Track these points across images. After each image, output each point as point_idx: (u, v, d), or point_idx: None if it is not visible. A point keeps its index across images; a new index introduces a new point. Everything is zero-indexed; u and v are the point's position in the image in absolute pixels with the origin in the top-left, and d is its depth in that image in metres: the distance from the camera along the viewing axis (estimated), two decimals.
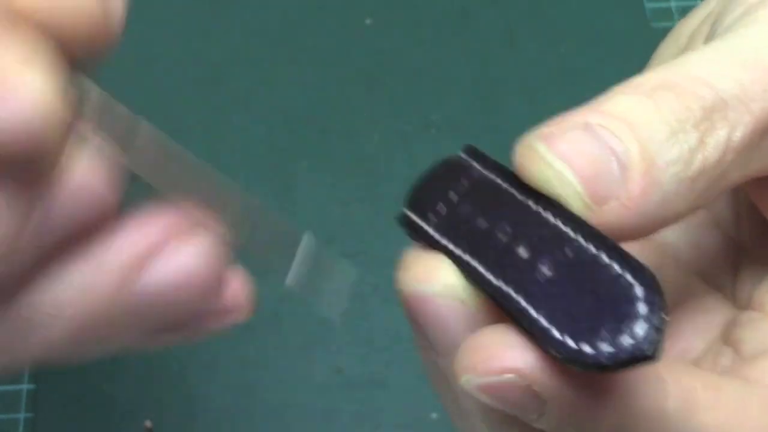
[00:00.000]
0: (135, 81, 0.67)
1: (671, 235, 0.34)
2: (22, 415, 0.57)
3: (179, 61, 0.68)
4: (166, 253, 0.24)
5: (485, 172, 0.29)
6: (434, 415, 0.56)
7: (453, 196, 0.30)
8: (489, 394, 0.25)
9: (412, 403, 0.57)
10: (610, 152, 0.25)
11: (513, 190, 0.28)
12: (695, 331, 0.32)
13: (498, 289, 0.26)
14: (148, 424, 0.56)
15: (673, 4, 0.72)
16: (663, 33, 0.72)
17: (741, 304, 0.32)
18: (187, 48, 0.69)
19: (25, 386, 0.58)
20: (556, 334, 0.24)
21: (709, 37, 0.31)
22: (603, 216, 0.25)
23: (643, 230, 0.26)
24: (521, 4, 0.71)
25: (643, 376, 0.26)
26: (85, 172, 0.22)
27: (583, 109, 0.27)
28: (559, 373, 0.24)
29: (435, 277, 0.26)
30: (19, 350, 0.24)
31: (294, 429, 0.56)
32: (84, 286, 0.23)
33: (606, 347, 0.23)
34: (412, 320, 0.27)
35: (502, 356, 0.24)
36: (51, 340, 0.24)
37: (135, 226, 0.24)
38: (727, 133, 0.26)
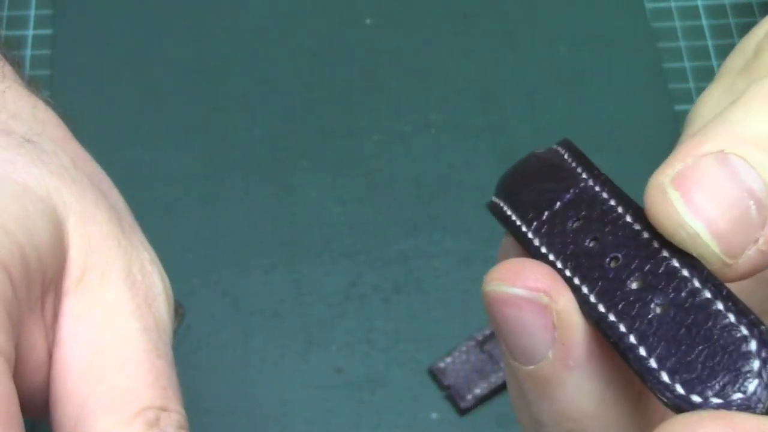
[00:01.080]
0: (135, 81, 0.67)
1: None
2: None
3: (179, 61, 0.68)
4: None
5: (593, 185, 0.28)
6: (434, 415, 0.56)
7: (556, 202, 0.28)
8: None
9: (412, 403, 0.57)
10: (747, 195, 0.24)
11: (627, 216, 0.26)
12: None
13: (605, 317, 0.25)
14: None
15: (673, 4, 0.72)
16: (663, 33, 0.72)
17: None
18: (187, 48, 0.69)
19: None
20: (665, 378, 0.23)
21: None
22: (739, 269, 0.24)
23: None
24: (521, 4, 0.71)
25: None
26: None
27: (716, 129, 0.25)
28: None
29: (522, 282, 0.25)
30: None
31: (294, 429, 0.56)
32: None
33: (715, 399, 0.23)
34: (492, 318, 0.26)
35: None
36: None
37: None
38: None
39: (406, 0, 0.71)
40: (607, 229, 0.26)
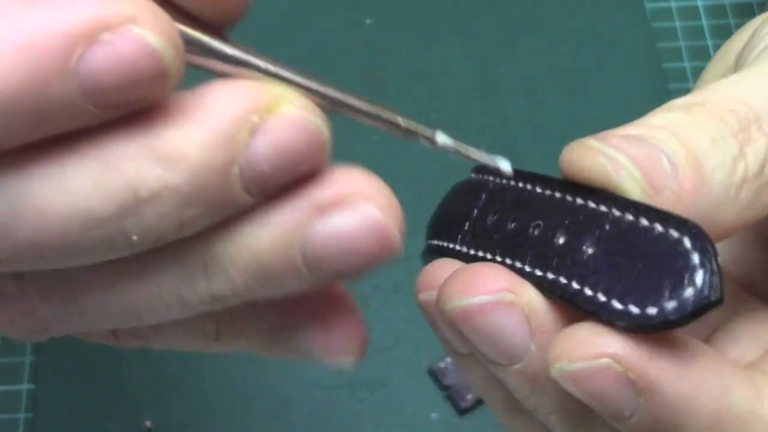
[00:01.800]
0: None
1: (720, 251, 0.35)
2: (22, 415, 0.57)
3: None
4: (340, 207, 0.24)
5: (499, 181, 0.29)
6: (434, 415, 0.56)
7: (475, 212, 0.30)
8: (582, 382, 0.24)
9: (412, 403, 0.57)
10: (659, 151, 0.26)
11: (534, 187, 0.28)
12: (752, 339, 0.33)
13: (545, 279, 0.26)
14: (148, 424, 0.56)
15: (673, 4, 0.72)
16: (663, 33, 0.72)
17: None
18: None
19: (25, 386, 0.58)
20: (617, 305, 0.24)
21: (739, 69, 0.32)
22: (660, 204, 0.25)
23: None
24: (521, 4, 0.71)
25: (738, 381, 0.26)
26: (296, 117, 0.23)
27: (622, 126, 0.27)
28: (657, 357, 0.24)
29: (482, 288, 0.26)
30: (189, 293, 0.24)
31: (294, 429, 0.56)
32: (269, 231, 0.23)
33: (670, 304, 0.23)
34: (462, 336, 0.26)
35: (597, 341, 0.24)
36: (220, 290, 0.24)
37: (322, 177, 0.24)
38: (765, 145, 0.27)
39: (406, 0, 0.71)
40: (522, 207, 0.28)
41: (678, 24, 0.71)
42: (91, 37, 0.20)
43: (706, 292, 0.23)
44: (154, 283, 0.24)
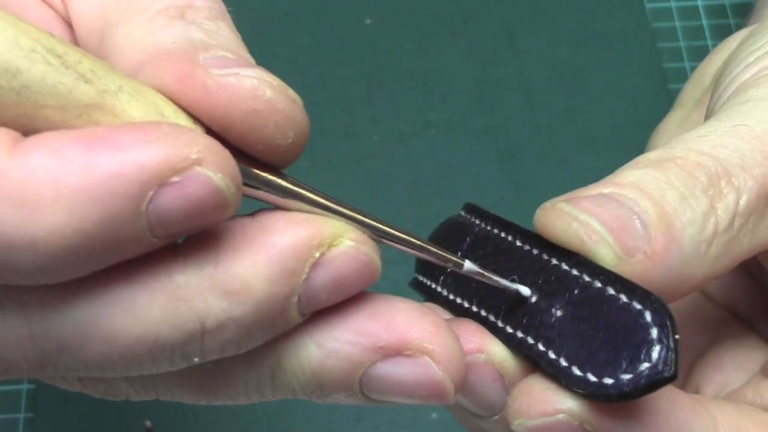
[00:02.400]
0: None
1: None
2: (22, 415, 0.57)
3: None
4: (404, 356, 0.25)
5: (485, 226, 0.30)
6: (434, 415, 0.56)
7: (457, 253, 0.30)
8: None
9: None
10: (630, 211, 0.26)
11: (515, 240, 0.28)
12: (736, 366, 0.33)
13: (514, 336, 0.27)
14: (148, 424, 0.56)
15: (673, 4, 0.72)
16: (663, 33, 0.72)
17: None
18: None
19: (25, 386, 0.58)
20: (577, 371, 0.25)
21: (708, 116, 0.33)
22: (633, 268, 0.26)
23: (668, 291, 0.26)
24: (521, 4, 0.71)
25: (695, 413, 0.26)
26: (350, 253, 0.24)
27: (594, 184, 0.28)
28: (610, 411, 0.25)
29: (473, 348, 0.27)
30: (253, 395, 0.26)
31: (294, 429, 0.56)
32: (327, 359, 0.25)
33: (625, 376, 0.24)
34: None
35: (552, 398, 0.25)
36: (280, 394, 0.26)
37: (389, 313, 0.25)
38: (735, 198, 0.27)
39: (406, 0, 0.71)
40: (501, 258, 0.28)
41: (678, 24, 0.71)
42: (161, 179, 0.21)
43: (660, 367, 0.23)
44: (225, 381, 0.25)
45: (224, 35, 0.25)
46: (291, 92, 0.24)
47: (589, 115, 0.65)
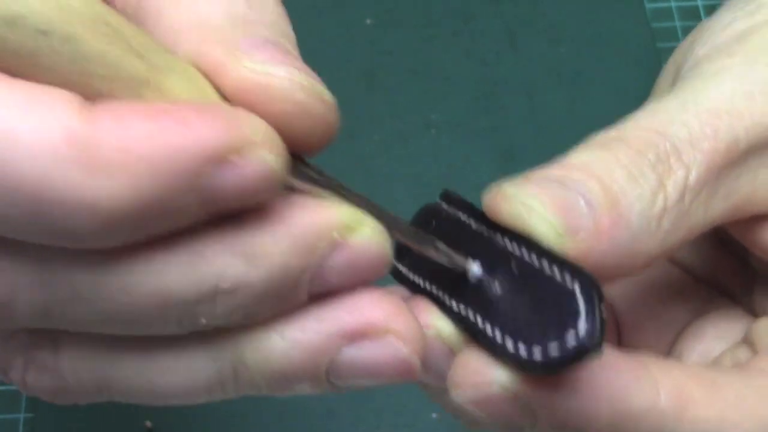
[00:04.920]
0: None
1: (687, 256, 0.35)
2: (22, 415, 0.57)
3: None
4: (369, 339, 0.25)
5: (450, 210, 0.31)
6: (434, 415, 0.56)
7: None
8: (480, 408, 0.26)
9: (412, 403, 0.57)
10: (576, 193, 0.27)
11: (470, 221, 0.29)
12: (717, 336, 0.33)
13: (458, 313, 0.27)
14: (148, 424, 0.56)
15: (673, 4, 0.72)
16: (663, 33, 0.72)
17: (758, 315, 0.34)
18: None
19: None
20: (510, 346, 0.25)
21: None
22: (576, 245, 0.26)
23: (616, 267, 0.27)
24: (521, 4, 0.71)
25: (633, 374, 0.26)
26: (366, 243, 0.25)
27: (544, 167, 0.29)
28: (544, 381, 0.25)
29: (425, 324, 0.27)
30: (213, 386, 0.25)
31: (294, 429, 0.56)
32: (293, 343, 0.25)
33: (553, 350, 0.24)
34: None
35: (486, 370, 0.26)
36: (240, 388, 0.25)
37: (351, 299, 0.25)
38: (684, 174, 0.28)
39: (406, 0, 0.71)
40: (456, 239, 0.29)
41: (678, 24, 0.71)
42: (221, 159, 0.21)
43: (585, 340, 0.24)
44: (184, 375, 0.25)
45: (269, 7, 0.25)
46: (324, 93, 0.24)
47: (589, 115, 0.65)
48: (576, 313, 0.24)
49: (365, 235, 0.24)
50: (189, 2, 0.24)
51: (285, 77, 0.23)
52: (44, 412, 0.57)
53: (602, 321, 0.24)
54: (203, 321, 0.23)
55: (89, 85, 0.21)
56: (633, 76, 0.68)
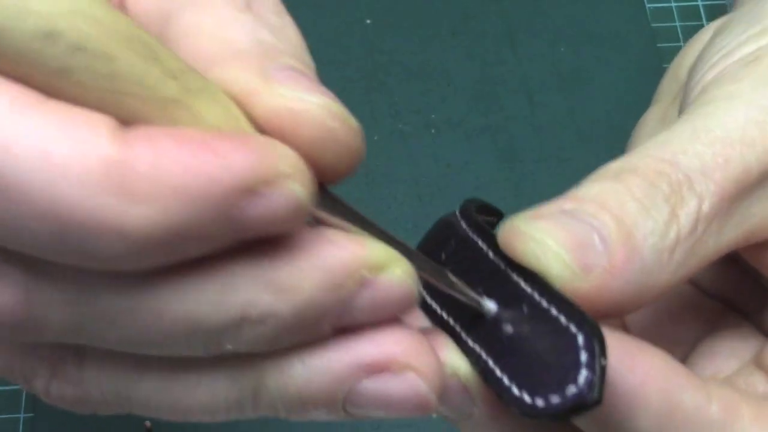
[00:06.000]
0: None
1: (699, 273, 0.36)
2: (21, 415, 0.57)
3: None
4: (389, 373, 0.25)
5: (468, 232, 0.30)
6: (434, 415, 0.56)
7: (442, 256, 0.31)
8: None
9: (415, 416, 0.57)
10: (589, 228, 0.27)
11: (488, 251, 0.29)
12: (728, 354, 0.33)
13: (473, 351, 0.27)
14: (148, 424, 0.56)
15: (673, 4, 0.72)
16: (663, 33, 0.72)
17: None
18: None
19: None
20: (515, 391, 0.25)
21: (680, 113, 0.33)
22: (591, 283, 0.26)
23: (630, 301, 0.27)
24: (521, 4, 0.71)
25: (687, 376, 0.26)
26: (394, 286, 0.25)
27: (556, 200, 0.28)
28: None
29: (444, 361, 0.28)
30: (233, 409, 0.26)
31: (294, 429, 0.56)
32: (310, 374, 0.25)
33: (555, 399, 0.24)
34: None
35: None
36: (260, 410, 0.26)
37: (374, 333, 0.25)
38: (697, 204, 0.28)
39: (406, 0, 0.71)
40: (474, 268, 0.29)
41: (678, 24, 0.71)
42: (251, 190, 0.21)
43: (585, 392, 0.24)
44: (205, 395, 0.25)
45: (290, 35, 0.26)
46: (352, 121, 0.24)
47: (589, 115, 0.65)
48: (578, 365, 0.24)
49: (395, 275, 0.24)
50: (214, 29, 0.24)
51: (318, 104, 0.23)
52: (44, 412, 0.57)
53: (603, 372, 0.24)
54: (229, 347, 0.23)
55: (122, 104, 0.21)
56: (633, 76, 0.68)
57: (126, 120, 0.21)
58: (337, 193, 0.26)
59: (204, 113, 0.22)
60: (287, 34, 0.25)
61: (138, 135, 0.20)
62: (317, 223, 0.25)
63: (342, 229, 0.25)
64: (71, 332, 0.23)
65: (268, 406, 0.25)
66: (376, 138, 0.65)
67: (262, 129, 0.23)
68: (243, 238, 0.22)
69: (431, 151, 0.65)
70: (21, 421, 0.57)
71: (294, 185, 0.22)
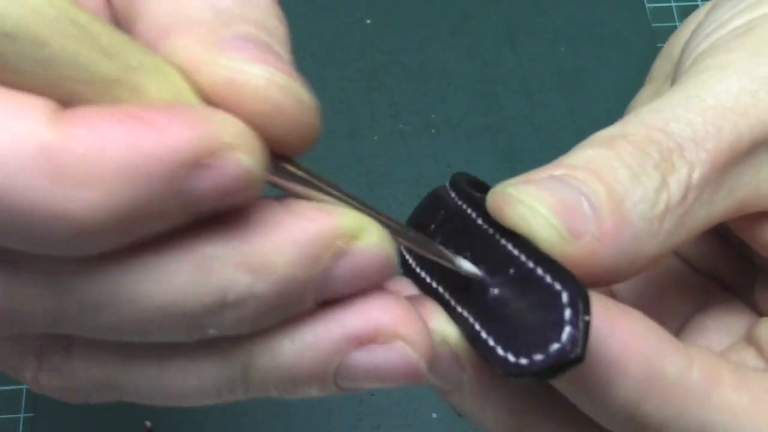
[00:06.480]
0: None
1: (688, 248, 0.35)
2: (22, 415, 0.57)
3: None
4: (378, 343, 0.25)
5: (458, 202, 0.30)
6: (434, 415, 0.56)
7: (432, 227, 0.31)
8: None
9: (412, 403, 0.57)
10: (579, 193, 0.27)
11: (477, 218, 0.29)
12: (719, 330, 0.33)
13: (460, 314, 0.27)
14: (148, 424, 0.56)
15: (673, 4, 0.72)
16: (663, 33, 0.72)
17: (760, 310, 0.33)
18: None
19: (25, 386, 0.58)
20: (500, 351, 0.25)
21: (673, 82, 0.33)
22: (580, 249, 0.26)
23: (619, 269, 0.27)
24: (521, 4, 0.71)
25: (669, 341, 0.26)
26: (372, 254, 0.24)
27: (547, 166, 0.28)
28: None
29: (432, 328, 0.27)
30: (223, 390, 0.26)
31: (294, 429, 0.56)
32: (298, 351, 0.25)
33: (538, 356, 0.24)
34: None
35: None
36: (250, 391, 0.25)
37: (360, 303, 0.25)
38: (688, 172, 0.27)
39: (406, 0, 0.71)
40: (462, 234, 0.29)
41: (678, 24, 0.71)
42: (195, 163, 0.21)
43: (568, 348, 0.24)
44: (194, 379, 0.25)
45: (257, 1, 0.25)
46: (302, 94, 0.24)
47: (589, 115, 0.65)
48: (561, 322, 0.24)
49: (371, 242, 0.24)
50: None
51: (261, 76, 0.23)
52: (44, 412, 0.57)
53: (586, 328, 0.24)
54: (212, 331, 0.23)
55: (60, 88, 0.21)
56: (633, 76, 0.68)
57: (69, 103, 0.21)
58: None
59: (147, 90, 0.22)
60: (254, 2, 0.25)
61: (75, 116, 0.20)
62: (286, 194, 0.24)
63: (312, 198, 0.24)
64: (52, 322, 0.23)
65: (259, 386, 0.25)
66: (376, 138, 0.65)
67: (210, 102, 0.23)
68: (199, 213, 0.22)
69: (431, 151, 0.65)
70: (21, 421, 0.57)
71: (239, 154, 0.21)
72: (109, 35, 0.22)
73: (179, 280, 0.22)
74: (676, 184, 0.27)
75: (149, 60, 0.22)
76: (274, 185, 0.24)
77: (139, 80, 0.22)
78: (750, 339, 0.32)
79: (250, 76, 0.23)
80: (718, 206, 0.29)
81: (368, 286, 0.25)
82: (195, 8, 0.24)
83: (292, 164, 0.25)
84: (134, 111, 0.20)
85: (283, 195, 0.25)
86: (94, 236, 0.20)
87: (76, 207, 0.20)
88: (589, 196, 0.26)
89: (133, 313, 0.22)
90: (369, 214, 0.25)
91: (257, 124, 0.23)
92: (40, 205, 0.20)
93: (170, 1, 0.24)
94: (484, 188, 0.30)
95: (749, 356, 0.31)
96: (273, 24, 0.25)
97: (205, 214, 0.22)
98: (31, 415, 0.57)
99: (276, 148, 0.24)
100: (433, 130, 0.66)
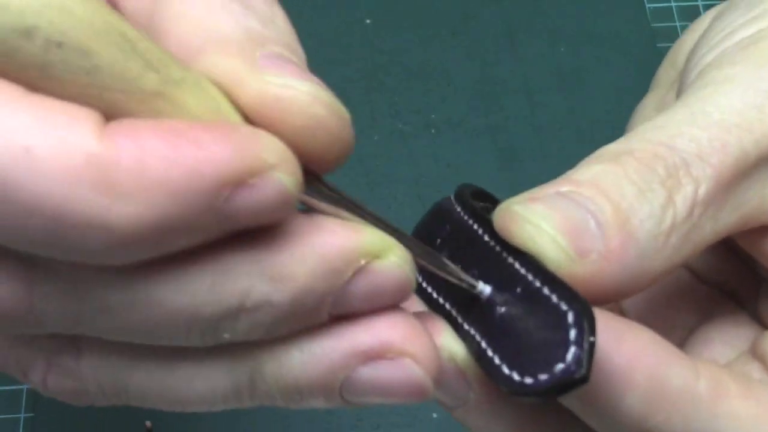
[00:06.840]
0: None
1: (696, 260, 0.35)
2: (22, 415, 0.57)
3: None
4: (385, 359, 0.25)
5: (463, 216, 0.30)
6: (434, 415, 0.56)
7: (438, 241, 0.31)
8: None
9: (412, 403, 0.57)
10: (585, 211, 0.27)
11: (483, 234, 0.29)
12: (724, 342, 0.33)
13: (468, 332, 0.27)
14: (148, 424, 0.56)
15: (673, 4, 0.72)
16: (663, 33, 0.72)
17: (765, 323, 0.33)
18: None
19: (25, 386, 0.58)
20: (505, 370, 0.25)
21: (678, 95, 0.33)
22: (587, 268, 0.26)
23: (626, 286, 0.27)
24: (521, 4, 0.71)
25: (675, 354, 0.26)
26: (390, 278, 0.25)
27: (553, 182, 0.28)
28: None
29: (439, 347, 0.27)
30: (230, 398, 0.26)
31: (294, 429, 0.56)
32: (306, 361, 0.25)
33: (543, 376, 0.24)
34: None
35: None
36: (256, 398, 0.26)
37: (370, 319, 0.25)
38: (694, 188, 0.28)
39: (406, 0, 0.71)
40: (469, 250, 0.29)
41: (678, 24, 0.71)
42: (236, 181, 0.21)
43: (573, 368, 0.24)
44: (202, 385, 0.25)
45: (280, 24, 0.25)
46: (341, 110, 0.24)
47: (589, 115, 0.65)
48: (567, 343, 0.24)
49: (392, 262, 0.24)
50: (202, 16, 0.24)
51: (306, 91, 0.23)
52: (44, 412, 0.57)
53: (591, 349, 0.24)
54: (226, 336, 0.23)
55: (103, 98, 0.21)
56: (633, 76, 0.68)
57: (109, 113, 0.21)
58: (343, 190, 0.26)
59: (187, 104, 0.22)
60: (276, 23, 0.25)
61: (121, 129, 0.20)
62: (313, 211, 0.25)
63: (338, 216, 0.25)
64: (70, 324, 0.23)
65: (265, 394, 0.25)
66: (376, 138, 0.65)
67: (249, 118, 0.23)
68: (232, 229, 0.22)
69: (431, 151, 0.65)
70: (21, 421, 0.57)
71: (280, 175, 0.22)
72: (153, 49, 0.22)
73: (201, 285, 0.22)
74: (682, 201, 0.27)
75: (190, 76, 0.23)
76: (304, 203, 0.24)
77: (179, 94, 0.22)
78: (755, 353, 0.31)
79: (298, 92, 0.23)
80: (724, 221, 0.29)
81: (384, 305, 0.25)
82: (227, 27, 0.24)
83: (320, 182, 0.25)
84: (179, 127, 0.21)
85: (307, 209, 0.25)
86: (131, 248, 0.21)
87: (117, 218, 0.20)
88: (595, 213, 0.27)
89: (152, 317, 0.23)
90: (393, 235, 0.25)
91: (298, 141, 0.23)
92: (83, 215, 0.20)
93: (199, 20, 0.24)
94: (489, 198, 0.30)
95: (754, 369, 0.31)
96: (296, 45, 0.26)
97: (238, 229, 0.22)
98: (31, 415, 0.57)
99: (310, 163, 0.24)
100: (433, 130, 0.66)
